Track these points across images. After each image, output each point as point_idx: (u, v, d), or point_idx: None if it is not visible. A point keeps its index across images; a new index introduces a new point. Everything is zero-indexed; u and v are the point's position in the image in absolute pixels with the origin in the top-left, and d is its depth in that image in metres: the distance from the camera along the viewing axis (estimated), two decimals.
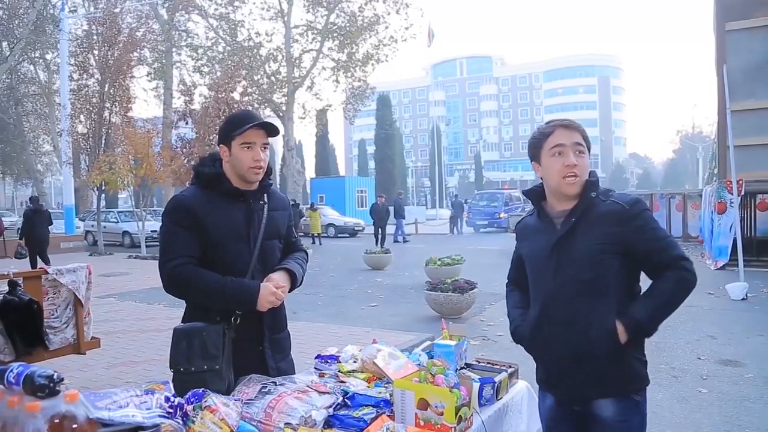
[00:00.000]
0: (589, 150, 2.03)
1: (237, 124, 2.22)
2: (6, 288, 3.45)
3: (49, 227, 13.94)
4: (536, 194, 2.14)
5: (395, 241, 22.20)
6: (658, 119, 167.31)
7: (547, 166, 2.01)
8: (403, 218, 23.78)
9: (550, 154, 2.00)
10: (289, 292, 2.31)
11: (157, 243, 18.89)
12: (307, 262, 2.53)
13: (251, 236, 2.25)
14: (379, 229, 20.15)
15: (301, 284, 2.40)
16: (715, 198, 13.27)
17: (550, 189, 2.05)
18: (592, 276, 1.93)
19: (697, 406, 4.58)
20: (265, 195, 2.35)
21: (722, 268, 12.30)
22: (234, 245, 2.22)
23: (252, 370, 2.14)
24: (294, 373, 2.32)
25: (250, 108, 19.56)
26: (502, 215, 26.80)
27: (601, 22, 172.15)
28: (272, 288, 2.18)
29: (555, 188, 2.01)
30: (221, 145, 2.27)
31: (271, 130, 2.28)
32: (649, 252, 1.93)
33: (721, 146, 14.17)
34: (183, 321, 2.27)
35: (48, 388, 1.30)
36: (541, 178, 2.10)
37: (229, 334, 2.15)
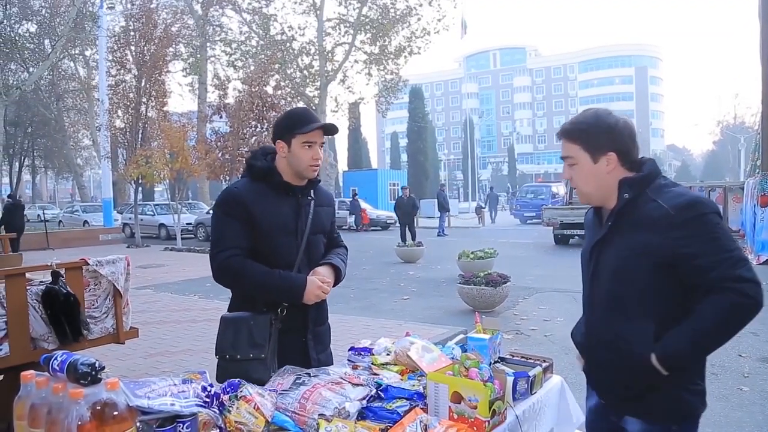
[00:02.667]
0: (594, 152, 1.77)
1: (299, 123, 2.26)
2: (49, 278, 3.55)
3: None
4: None
5: (439, 234, 21.98)
6: (697, 110, 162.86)
7: None
8: (448, 211, 23.63)
9: None
10: (333, 286, 2.35)
11: (192, 235, 19.27)
12: (347, 258, 2.58)
13: (299, 230, 2.31)
14: (406, 226, 18.41)
15: (343, 279, 2.44)
16: (758, 191, 12.89)
17: None
18: (625, 291, 1.73)
19: (738, 405, 4.47)
20: (312, 191, 2.40)
21: (765, 263, 11.95)
22: (282, 238, 2.27)
23: (295, 361, 2.18)
24: (332, 365, 2.35)
25: (283, 102, 19.69)
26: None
27: (638, 10, 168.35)
28: (318, 282, 2.24)
29: None
30: (279, 140, 2.30)
31: (330, 131, 2.34)
32: (701, 268, 1.60)
33: (765, 137, 13.74)
34: (229, 310, 2.33)
35: (90, 376, 1.33)
36: None
37: (276, 325, 2.21)
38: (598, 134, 1.77)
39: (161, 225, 23.29)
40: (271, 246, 2.25)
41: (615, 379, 1.81)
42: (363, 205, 26.35)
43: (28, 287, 3.44)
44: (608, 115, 1.80)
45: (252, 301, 2.25)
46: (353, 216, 25.73)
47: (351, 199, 26.12)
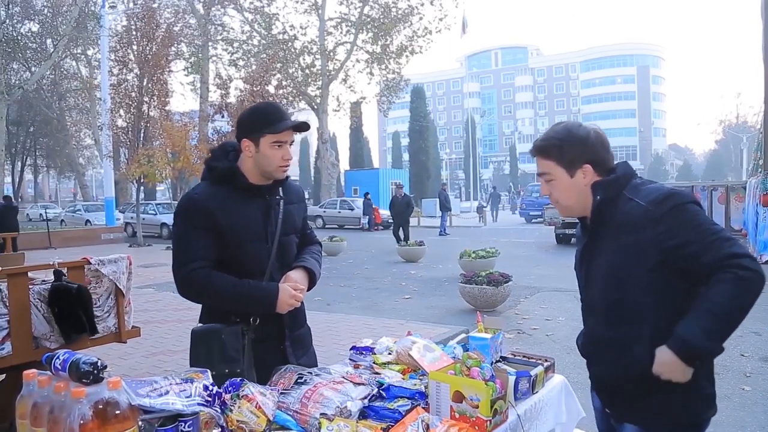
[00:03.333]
0: (569, 166, 1.76)
1: (269, 121, 2.09)
2: (51, 278, 3.56)
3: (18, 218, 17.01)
4: None
5: (441, 234, 21.99)
6: (700, 109, 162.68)
7: None
8: (450, 210, 23.58)
9: None
10: (308, 290, 2.25)
11: None
12: (321, 255, 2.46)
13: (269, 234, 2.16)
14: (399, 227, 17.46)
15: (318, 279, 2.33)
16: (761, 190, 12.87)
17: None
18: (620, 295, 1.69)
19: (740, 404, 4.46)
20: (281, 189, 2.25)
21: (767, 262, 11.94)
22: (251, 245, 2.13)
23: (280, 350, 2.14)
24: (317, 365, 2.30)
25: (285, 101, 19.69)
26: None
27: (640, 9, 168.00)
28: (291, 291, 2.11)
29: None
30: (245, 139, 2.11)
31: (302, 128, 2.18)
32: (693, 256, 1.57)
33: (767, 136, 13.71)
34: (200, 321, 2.21)
35: (92, 375, 1.33)
36: None
37: (249, 336, 2.11)
38: (571, 148, 1.76)
39: (163, 224, 23.33)
40: (240, 254, 2.11)
41: (615, 385, 1.79)
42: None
43: (30, 286, 3.45)
44: (579, 127, 1.80)
45: (223, 311, 2.13)
46: (366, 216, 25.69)
47: (364, 200, 26.04)
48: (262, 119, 2.11)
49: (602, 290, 1.76)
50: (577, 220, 1.92)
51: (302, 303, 2.28)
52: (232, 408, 1.64)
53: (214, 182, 2.14)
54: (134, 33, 19.97)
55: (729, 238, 1.59)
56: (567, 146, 1.76)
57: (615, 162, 1.81)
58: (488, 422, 1.76)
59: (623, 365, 1.71)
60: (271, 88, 20.07)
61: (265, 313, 2.12)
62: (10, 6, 24.43)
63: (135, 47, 19.84)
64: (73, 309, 3.44)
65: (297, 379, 1.95)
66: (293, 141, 2.23)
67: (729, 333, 1.58)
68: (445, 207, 22.77)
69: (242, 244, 2.11)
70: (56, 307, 3.43)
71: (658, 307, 1.66)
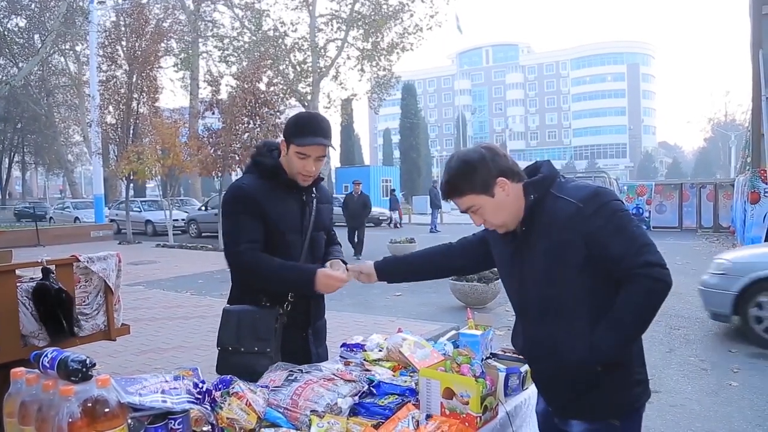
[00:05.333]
0: (485, 189, 1.73)
1: (298, 132, 2.23)
2: (39, 275, 3.53)
3: None
4: None
5: (431, 231, 21.97)
6: (689, 107, 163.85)
7: None
8: (440, 208, 23.48)
9: None
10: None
11: (182, 232, 19.09)
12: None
13: (303, 227, 2.35)
14: (354, 231, 14.16)
15: None
16: (748, 188, 12.96)
17: None
18: (556, 293, 1.72)
19: (728, 400, 4.51)
20: (314, 188, 2.43)
21: None
22: (289, 235, 2.30)
23: (296, 355, 2.22)
24: (327, 358, 2.40)
25: (276, 98, 19.61)
26: None
27: (630, 8, 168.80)
28: (329, 272, 2.22)
29: None
30: (283, 140, 2.30)
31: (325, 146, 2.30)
32: (612, 258, 1.64)
33: (755, 134, 13.85)
34: (229, 303, 2.36)
35: (81, 373, 1.33)
36: None
37: (281, 320, 2.24)
38: (476, 174, 1.74)
39: (148, 221, 23.30)
40: (279, 242, 2.27)
41: (557, 384, 1.80)
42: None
43: (18, 284, 3.42)
44: (469, 152, 1.78)
45: (252, 293, 2.27)
46: (395, 211, 25.11)
47: (391, 196, 25.76)
48: (294, 127, 2.26)
49: (537, 289, 1.77)
50: None
51: (324, 297, 2.47)
52: (222, 405, 1.64)
53: (260, 176, 2.32)
54: (123, 29, 19.80)
55: (647, 244, 1.64)
56: (472, 175, 1.75)
57: (515, 163, 1.80)
58: (478, 419, 1.77)
59: (559, 360, 1.73)
60: (262, 86, 19.95)
61: (297, 298, 2.29)
62: None
63: (124, 43, 19.67)
64: (54, 309, 3.42)
65: (287, 376, 1.95)
66: (323, 156, 2.30)
67: (635, 341, 1.72)
68: (435, 204, 22.75)
69: (282, 234, 2.29)
70: (41, 306, 3.40)
71: (590, 302, 1.69)
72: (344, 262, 2.39)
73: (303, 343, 2.36)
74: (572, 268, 1.69)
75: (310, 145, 2.22)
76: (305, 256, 2.33)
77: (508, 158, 1.80)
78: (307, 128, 2.24)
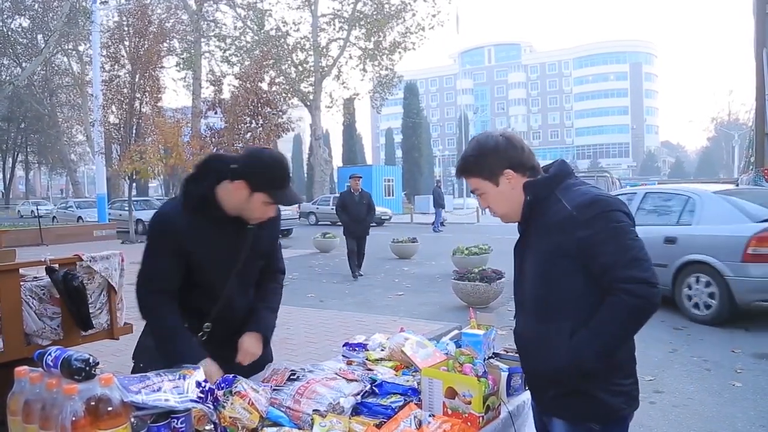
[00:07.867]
0: (491, 177, 1.78)
1: (273, 184, 2.01)
2: (43, 274, 3.55)
3: None
4: None
5: (435, 230, 21.96)
6: (692, 106, 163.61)
7: None
8: (443, 207, 23.40)
9: None
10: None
11: None
12: (282, 287, 2.46)
13: (234, 259, 2.15)
14: (355, 244, 10.85)
15: (272, 332, 2.34)
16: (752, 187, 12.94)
17: None
18: (546, 293, 1.73)
19: (731, 400, 4.49)
20: None
21: None
22: (216, 270, 2.13)
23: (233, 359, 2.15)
24: (272, 359, 2.32)
25: (278, 98, 19.63)
26: None
27: (633, 6, 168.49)
28: (216, 369, 2.01)
29: None
30: (242, 181, 1.98)
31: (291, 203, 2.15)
32: (602, 267, 1.62)
33: (758, 133, 13.80)
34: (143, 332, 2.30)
35: (84, 372, 1.33)
36: None
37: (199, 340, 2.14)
38: (486, 160, 1.78)
39: (138, 220, 23.36)
40: (199, 281, 2.13)
41: (542, 381, 1.80)
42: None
43: (21, 283, 3.43)
44: (488, 138, 1.81)
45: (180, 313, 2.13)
46: (440, 209, 23.14)
47: (435, 187, 24.14)
48: (269, 179, 2.01)
49: (531, 287, 1.79)
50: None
51: (269, 347, 2.33)
52: (225, 404, 1.64)
53: (187, 208, 2.07)
54: (126, 29, 19.84)
55: (639, 259, 1.61)
56: (482, 159, 1.79)
57: (533, 158, 1.82)
58: (480, 418, 1.77)
59: (545, 360, 1.73)
60: (264, 85, 19.98)
61: (216, 326, 2.18)
62: (0, 1, 24.23)
63: (127, 43, 19.70)
64: (77, 303, 3.47)
65: (290, 376, 1.96)
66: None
67: (613, 355, 1.67)
68: (438, 204, 22.76)
69: (205, 271, 2.12)
70: (68, 298, 3.46)
71: (579, 304, 1.68)
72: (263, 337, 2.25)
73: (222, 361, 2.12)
74: (561, 271, 1.69)
75: (287, 204, 2.07)
76: (231, 288, 2.16)
77: (525, 151, 1.80)
78: (281, 181, 2.03)
